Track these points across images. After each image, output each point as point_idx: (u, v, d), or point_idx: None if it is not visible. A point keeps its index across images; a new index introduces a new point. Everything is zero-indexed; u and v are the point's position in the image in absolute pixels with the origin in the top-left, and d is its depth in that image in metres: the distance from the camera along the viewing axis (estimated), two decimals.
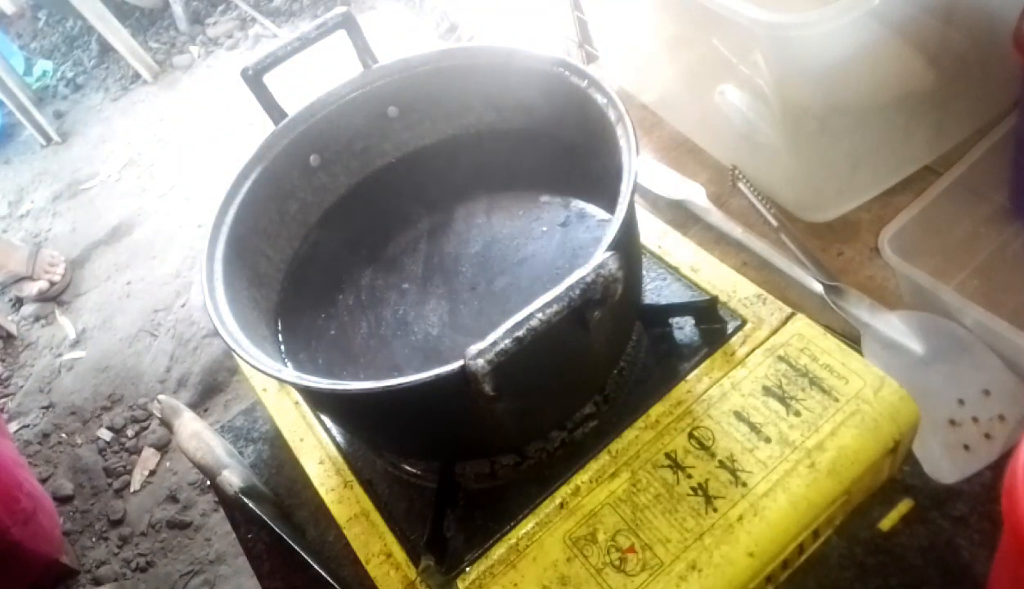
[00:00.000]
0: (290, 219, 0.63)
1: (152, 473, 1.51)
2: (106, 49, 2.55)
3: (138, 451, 1.55)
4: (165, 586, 1.34)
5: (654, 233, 0.65)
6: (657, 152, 0.86)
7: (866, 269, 0.70)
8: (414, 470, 0.57)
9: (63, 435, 1.61)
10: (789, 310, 0.57)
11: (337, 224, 0.65)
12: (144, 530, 1.43)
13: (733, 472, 0.50)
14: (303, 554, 0.59)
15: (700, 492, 0.49)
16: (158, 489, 1.48)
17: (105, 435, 1.58)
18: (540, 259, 0.57)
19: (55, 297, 1.89)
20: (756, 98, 0.67)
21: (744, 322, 0.57)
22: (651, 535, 0.48)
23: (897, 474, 0.55)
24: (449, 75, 0.62)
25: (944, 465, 0.56)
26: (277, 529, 0.61)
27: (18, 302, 1.91)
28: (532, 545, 0.50)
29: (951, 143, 0.70)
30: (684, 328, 0.59)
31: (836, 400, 0.51)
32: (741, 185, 0.75)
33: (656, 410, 0.54)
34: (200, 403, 1.58)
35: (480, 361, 0.37)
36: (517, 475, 0.55)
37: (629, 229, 0.51)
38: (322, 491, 0.58)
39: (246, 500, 0.62)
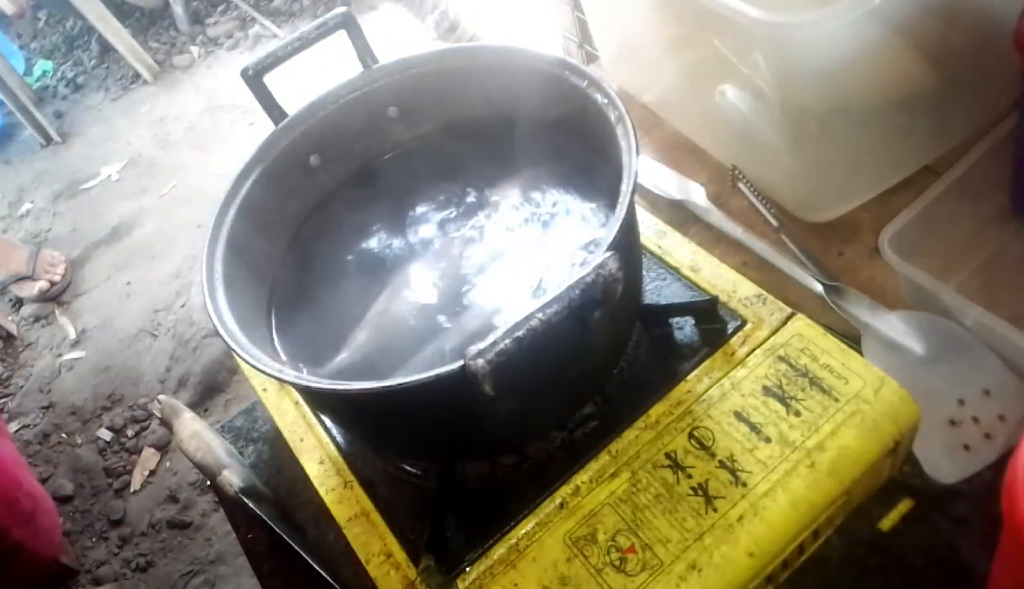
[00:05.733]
0: (291, 219, 0.63)
1: (152, 473, 1.51)
2: (106, 49, 2.55)
3: (138, 451, 1.55)
4: (165, 586, 1.34)
5: (654, 233, 0.65)
6: (657, 152, 0.86)
7: (866, 269, 0.70)
8: (414, 470, 0.57)
9: (63, 435, 1.61)
10: (789, 310, 0.57)
11: (336, 222, 0.65)
12: (144, 530, 1.42)
13: (733, 472, 0.50)
14: (303, 554, 0.59)
15: (700, 492, 0.49)
16: (158, 489, 1.47)
17: (105, 435, 1.58)
18: (539, 259, 0.57)
19: (55, 297, 1.89)
20: (756, 98, 0.67)
21: (744, 322, 0.57)
22: (651, 535, 0.48)
23: (897, 474, 0.55)
24: (449, 75, 0.62)
25: (944, 465, 0.56)
26: (277, 529, 0.61)
27: (18, 302, 1.91)
28: (532, 545, 0.50)
29: (951, 143, 0.70)
30: (684, 328, 0.59)
31: (836, 400, 0.51)
32: (741, 185, 0.75)
33: (656, 410, 0.54)
34: (200, 403, 1.58)
35: (480, 361, 0.37)
36: (517, 475, 0.54)
37: (629, 229, 0.51)
38: (322, 491, 0.58)
39: (246, 500, 0.62)
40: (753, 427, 0.51)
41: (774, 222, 0.72)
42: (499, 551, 0.50)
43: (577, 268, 0.40)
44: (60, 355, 1.77)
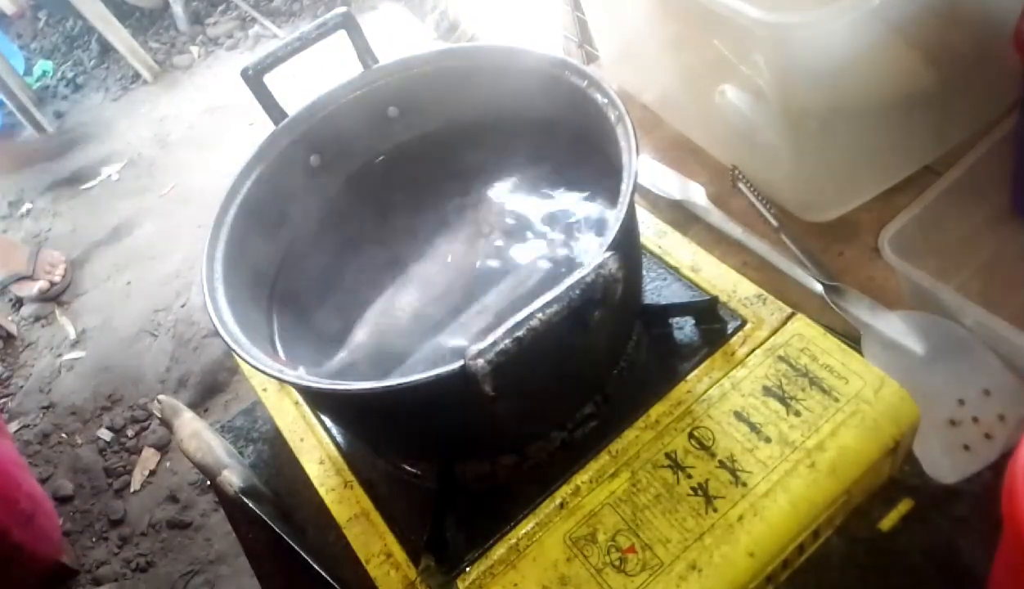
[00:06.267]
0: (290, 219, 0.63)
1: (152, 473, 1.51)
2: (106, 49, 2.55)
3: (138, 451, 1.55)
4: (165, 586, 1.34)
5: (654, 233, 0.65)
6: (657, 152, 0.86)
7: (866, 269, 0.70)
8: (414, 470, 0.57)
9: (63, 435, 1.61)
10: (789, 310, 0.57)
11: (336, 222, 0.65)
12: (144, 530, 1.42)
13: (733, 472, 0.50)
14: (303, 554, 0.59)
15: (700, 492, 0.49)
16: (158, 489, 1.47)
17: (105, 435, 1.58)
18: (539, 259, 0.57)
19: (55, 297, 1.89)
20: (756, 98, 0.67)
21: (744, 322, 0.57)
22: (651, 535, 0.48)
23: (897, 474, 0.55)
24: (449, 75, 0.62)
25: (944, 465, 0.56)
26: (277, 529, 0.61)
27: (18, 302, 1.91)
28: (532, 545, 0.50)
29: (951, 143, 0.70)
30: (684, 328, 0.59)
31: (836, 400, 0.51)
32: (741, 185, 0.75)
33: (656, 410, 0.54)
34: (200, 403, 1.58)
35: (480, 361, 0.37)
36: (517, 475, 0.54)
37: (629, 229, 0.51)
38: (322, 491, 0.58)
39: (246, 500, 0.62)
40: (753, 427, 0.51)
41: (774, 222, 0.72)
42: (499, 551, 0.50)
43: (577, 268, 0.40)
44: (60, 355, 1.77)
